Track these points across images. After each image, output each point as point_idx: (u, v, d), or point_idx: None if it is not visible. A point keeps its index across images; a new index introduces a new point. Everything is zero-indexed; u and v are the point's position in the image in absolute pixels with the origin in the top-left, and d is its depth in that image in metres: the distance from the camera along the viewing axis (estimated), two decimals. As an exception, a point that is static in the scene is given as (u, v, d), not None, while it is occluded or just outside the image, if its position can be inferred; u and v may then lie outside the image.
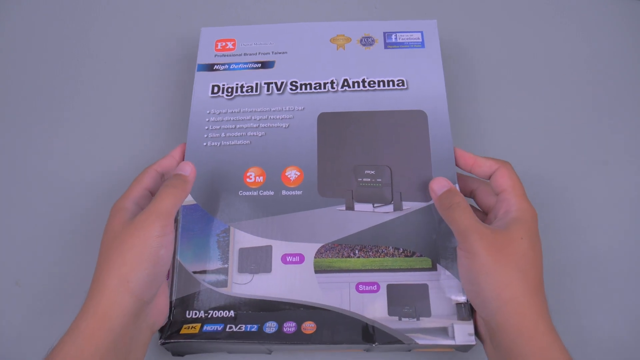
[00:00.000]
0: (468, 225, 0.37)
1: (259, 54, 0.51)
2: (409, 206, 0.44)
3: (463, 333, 0.39)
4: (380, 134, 0.47)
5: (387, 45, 0.51)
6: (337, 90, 0.49)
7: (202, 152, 0.47)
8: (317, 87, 0.49)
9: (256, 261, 0.43)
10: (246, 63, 0.51)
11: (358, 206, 0.44)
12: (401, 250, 0.43)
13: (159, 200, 0.39)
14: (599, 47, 0.55)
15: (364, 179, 0.45)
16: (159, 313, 0.39)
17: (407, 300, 0.41)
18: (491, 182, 0.43)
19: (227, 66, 0.51)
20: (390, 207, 0.44)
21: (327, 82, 0.49)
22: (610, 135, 0.52)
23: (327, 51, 0.51)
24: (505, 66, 0.56)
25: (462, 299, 0.40)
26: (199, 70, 0.51)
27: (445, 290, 0.41)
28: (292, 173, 0.46)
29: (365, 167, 0.46)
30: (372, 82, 0.49)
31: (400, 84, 0.49)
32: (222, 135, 0.47)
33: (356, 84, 0.49)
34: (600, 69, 0.54)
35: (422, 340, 0.38)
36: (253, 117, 0.48)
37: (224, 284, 0.42)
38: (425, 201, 0.44)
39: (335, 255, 0.43)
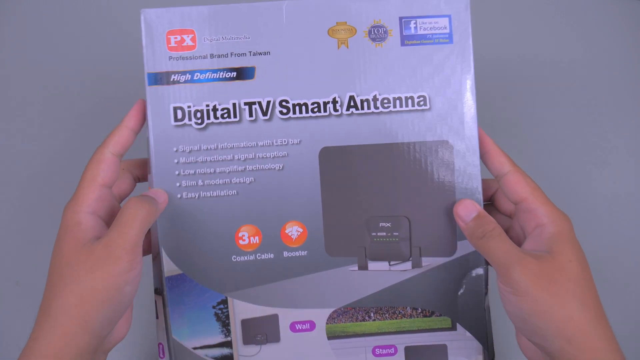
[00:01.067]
0: (509, 258, 0.32)
1: (231, 55, 0.37)
2: (428, 262, 0.39)
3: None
4: (396, 174, 0.38)
5: (404, 41, 0.37)
6: (341, 114, 0.38)
7: (178, 208, 0.37)
8: (316, 109, 0.37)
9: (262, 331, 0.39)
10: (215, 71, 0.37)
11: (372, 265, 0.39)
12: (419, 310, 0.39)
13: (124, 227, 0.32)
14: (598, 47, 0.54)
15: (379, 234, 0.39)
16: (119, 333, 0.35)
17: (425, 363, 0.40)
18: (504, 188, 0.37)
19: (188, 76, 0.37)
20: (408, 265, 0.39)
21: (329, 102, 0.37)
22: (610, 135, 0.52)
23: (324, 50, 0.37)
24: (505, 66, 0.55)
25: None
26: (150, 83, 0.37)
27: (464, 351, 0.39)
28: (293, 230, 0.38)
29: (379, 219, 0.39)
30: (386, 101, 0.38)
31: (422, 103, 0.38)
32: (200, 182, 0.38)
33: (365, 104, 0.38)
34: (600, 69, 0.53)
35: (442, 409, 0.39)
36: (236, 156, 0.38)
37: (230, 358, 0.39)
38: (448, 256, 0.39)
39: (349, 320, 0.39)
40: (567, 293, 0.32)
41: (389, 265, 0.39)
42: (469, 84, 0.38)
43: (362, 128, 0.38)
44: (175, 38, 0.37)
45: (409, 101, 0.38)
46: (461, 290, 0.39)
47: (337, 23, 0.37)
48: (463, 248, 0.39)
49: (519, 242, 0.37)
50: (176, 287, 0.38)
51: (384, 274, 0.39)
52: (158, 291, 0.39)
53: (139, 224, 0.32)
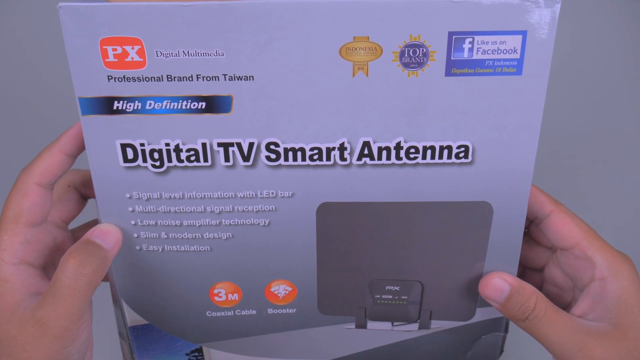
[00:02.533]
0: (566, 344, 0.27)
1: (197, 78, 0.26)
2: (438, 325, 0.33)
3: None
4: (413, 235, 0.30)
5: (451, 69, 0.26)
6: (350, 164, 0.28)
7: (137, 260, 0.30)
8: (316, 157, 0.28)
9: (243, 378, 0.35)
10: (175, 99, 0.27)
11: (372, 324, 0.33)
12: (422, 366, 0.35)
13: (61, 299, 0.25)
14: (598, 47, 0.53)
15: (384, 296, 0.32)
16: None
17: (421, 415, 0.37)
18: (547, 232, 0.30)
19: (138, 104, 0.27)
20: (414, 326, 0.33)
21: (334, 148, 0.28)
22: (610, 135, 0.51)
23: (333, 78, 0.26)
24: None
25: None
26: (84, 112, 0.27)
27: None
28: (280, 289, 0.32)
29: (386, 283, 0.32)
30: (413, 150, 0.28)
31: (462, 155, 0.28)
32: (163, 235, 0.30)
33: (385, 153, 0.28)
34: (600, 68, 0.52)
35: None
36: (208, 208, 0.29)
37: (207, 398, 0.36)
38: (463, 320, 0.33)
39: (339, 372, 0.35)
40: None
41: (392, 325, 0.33)
42: (532, 134, 0.27)
43: (376, 183, 0.28)
44: (115, 50, 0.25)
45: (445, 152, 0.27)
46: (470, 352, 0.34)
47: (354, 38, 0.25)
48: (482, 314, 0.32)
49: (562, 289, 0.31)
50: (143, 336, 0.33)
51: (384, 333, 0.33)
52: (122, 336, 0.33)
53: (82, 292, 0.25)
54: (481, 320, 0.32)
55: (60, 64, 0.42)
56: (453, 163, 0.27)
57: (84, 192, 0.31)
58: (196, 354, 0.34)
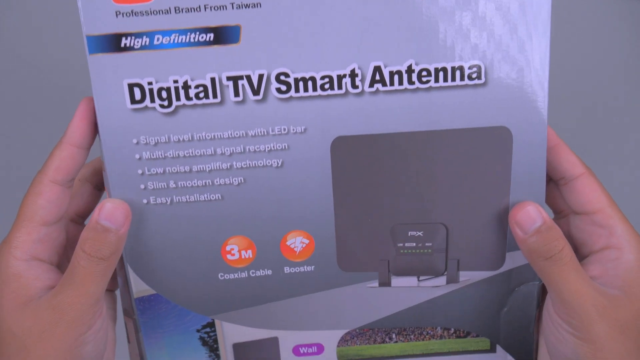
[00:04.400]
0: (583, 297, 0.26)
1: (205, 8, 0.26)
2: (467, 277, 0.31)
3: None
4: (432, 170, 0.29)
5: None
6: (362, 91, 0.27)
7: (145, 216, 0.28)
8: (327, 86, 0.27)
9: (259, 357, 0.32)
10: (183, 32, 0.26)
11: (397, 281, 0.31)
12: (452, 330, 0.32)
13: (78, 284, 0.25)
14: (598, 47, 0.53)
15: (407, 244, 0.30)
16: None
17: (456, 389, 0.33)
18: (572, 194, 0.29)
19: (146, 39, 0.26)
20: (442, 280, 0.31)
21: (345, 75, 0.27)
22: (610, 135, 0.51)
23: (342, 1, 0.26)
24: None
25: (523, 386, 0.33)
26: (92, 51, 0.26)
27: (503, 376, 0.33)
28: (296, 241, 0.30)
29: (409, 227, 0.30)
30: (425, 73, 0.27)
31: (475, 75, 0.27)
32: (172, 184, 0.28)
33: (397, 77, 0.27)
34: (600, 69, 0.52)
35: None
36: (219, 150, 0.28)
37: (221, 385, 0.32)
38: (493, 269, 0.31)
39: (365, 342, 0.32)
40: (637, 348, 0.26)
41: (418, 280, 0.31)
42: (541, 49, 0.26)
43: (390, 111, 0.27)
44: (123, -18, 0.25)
45: (457, 73, 0.27)
46: (505, 309, 0.31)
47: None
48: (512, 260, 0.30)
49: None
50: (149, 310, 0.30)
51: (410, 291, 0.31)
52: (127, 313, 0.30)
53: (99, 276, 0.26)
54: (513, 268, 0.30)
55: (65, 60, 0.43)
56: (467, 85, 0.27)
57: (97, 182, 0.30)
58: (208, 329, 0.31)
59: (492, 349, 0.32)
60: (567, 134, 0.52)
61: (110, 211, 0.27)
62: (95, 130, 0.27)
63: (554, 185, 0.30)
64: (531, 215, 0.27)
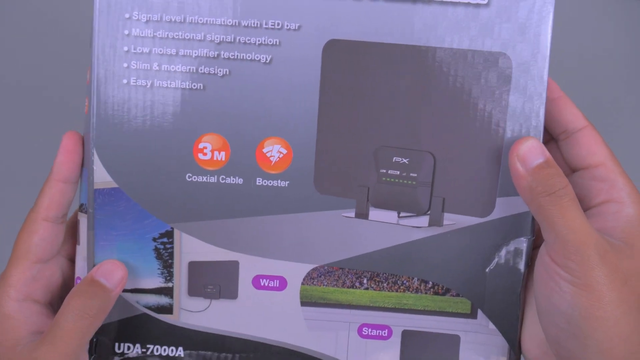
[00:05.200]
0: (584, 236, 0.24)
1: None
2: (452, 221, 0.28)
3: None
4: (425, 92, 0.27)
5: None
6: (362, -5, 0.26)
7: (122, 97, 0.27)
8: (326, -16, 0.26)
9: (215, 281, 0.29)
10: None
11: (375, 213, 0.28)
12: (430, 284, 0.28)
13: (59, 342, 0.25)
14: (598, 47, 0.53)
15: (390, 172, 0.28)
16: None
17: (427, 356, 0.29)
18: (574, 147, 0.27)
19: None
20: (424, 220, 0.28)
21: (346, -25, 0.26)
22: (609, 135, 0.49)
23: None
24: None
25: (503, 364, 0.28)
26: None
27: (483, 347, 0.29)
28: (274, 150, 0.28)
29: (394, 152, 0.28)
30: (427, -16, 0.26)
31: (479, -7, 0.26)
32: (155, 67, 0.27)
33: (399, -15, 0.26)
34: (599, 69, 0.52)
35: (441, 422, 0.28)
36: (208, 37, 0.27)
37: (167, 309, 0.29)
38: (481, 215, 0.28)
39: (333, 284, 0.29)
40: (637, 302, 0.24)
41: (398, 216, 0.28)
42: None
43: (388, 19, 0.26)
44: None
45: None
46: (491, 266, 0.28)
47: None
48: (503, 208, 0.28)
49: None
50: (108, 205, 0.28)
51: (389, 228, 0.28)
52: (83, 208, 0.28)
53: (81, 335, 0.26)
54: (502, 217, 0.28)
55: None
56: (469, 3, 0.26)
57: None
58: (165, 240, 0.29)
59: (473, 314, 0.29)
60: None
61: (108, 270, 0.27)
62: (78, 163, 0.28)
63: (554, 145, 0.29)
64: (534, 150, 0.25)
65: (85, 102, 0.28)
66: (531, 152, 0.25)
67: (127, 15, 0.27)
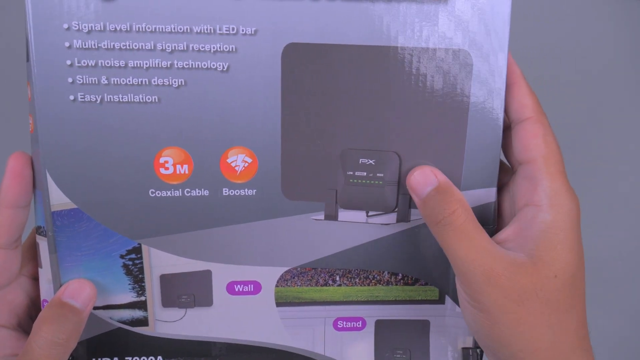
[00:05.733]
0: (470, 261, 0.24)
1: None
2: (418, 216, 0.29)
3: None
4: (387, 92, 0.27)
5: None
6: (319, -5, 0.25)
7: (70, 115, 0.25)
8: (282, -16, 0.25)
9: (189, 291, 0.29)
10: None
11: (344, 214, 0.28)
12: (400, 276, 0.30)
13: None
14: (598, 47, 0.53)
15: (357, 173, 0.28)
16: None
17: (400, 342, 0.31)
18: (514, 139, 0.27)
19: None
20: (391, 217, 0.29)
21: (302, -26, 0.25)
22: (609, 136, 0.51)
23: None
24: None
25: (470, 343, 0.31)
26: None
27: (451, 330, 0.30)
28: (238, 159, 0.27)
29: (360, 154, 0.28)
30: (386, -19, 0.25)
31: (439, -11, 0.26)
32: (104, 80, 0.25)
33: (356, -17, 0.25)
34: (599, 69, 0.52)
35: (417, 401, 0.30)
36: (159, 46, 0.25)
37: (142, 322, 0.29)
38: (446, 209, 0.29)
39: (306, 284, 0.29)
40: (541, 319, 0.24)
41: (367, 216, 0.28)
42: None
43: (348, 20, 0.25)
44: None
45: None
46: (457, 255, 0.29)
47: None
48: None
49: (507, 218, 0.28)
50: (68, 227, 0.27)
51: (358, 228, 0.28)
52: (41, 231, 0.27)
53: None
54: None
55: None
56: (427, 0, 0.26)
57: None
58: (133, 256, 0.28)
59: (441, 300, 0.30)
60: (565, 133, 0.52)
61: (76, 289, 0.26)
62: (27, 186, 0.26)
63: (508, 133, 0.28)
64: (423, 179, 0.26)
65: (30, 120, 0.26)
66: (419, 183, 0.26)
67: (65, 26, 0.25)
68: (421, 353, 0.31)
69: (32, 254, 0.28)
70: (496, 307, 0.24)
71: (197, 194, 0.27)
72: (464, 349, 0.31)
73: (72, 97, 0.25)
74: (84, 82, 0.25)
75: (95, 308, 0.28)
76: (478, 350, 0.31)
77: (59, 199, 0.27)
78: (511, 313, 0.24)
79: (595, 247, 0.46)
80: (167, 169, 0.27)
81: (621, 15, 0.54)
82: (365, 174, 0.28)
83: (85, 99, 0.25)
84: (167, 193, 0.27)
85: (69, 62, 0.25)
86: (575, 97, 0.54)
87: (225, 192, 0.27)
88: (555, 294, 0.24)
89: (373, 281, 0.30)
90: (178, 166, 0.27)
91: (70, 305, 0.26)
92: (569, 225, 0.24)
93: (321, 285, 0.30)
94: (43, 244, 0.27)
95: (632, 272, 0.48)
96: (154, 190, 0.27)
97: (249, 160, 0.27)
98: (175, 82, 0.26)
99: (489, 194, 0.27)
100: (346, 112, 0.27)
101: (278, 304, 0.29)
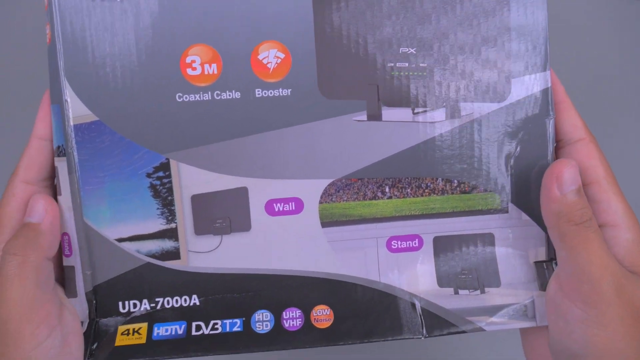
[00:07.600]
0: (606, 269, 0.23)
1: None
2: (470, 110, 0.26)
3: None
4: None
5: None
6: None
7: (89, 14, 0.23)
8: None
9: (224, 214, 0.26)
10: None
11: (388, 113, 0.26)
12: (455, 183, 0.26)
13: (5, 292, 0.22)
14: (598, 47, 0.52)
15: (398, 64, 0.26)
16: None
17: (465, 260, 0.27)
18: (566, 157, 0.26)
19: None
20: (440, 113, 0.26)
21: None
22: (609, 135, 0.49)
23: None
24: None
25: (543, 255, 0.27)
26: None
27: (519, 242, 0.27)
28: (270, 55, 0.25)
29: (400, 42, 0.25)
30: None
31: None
32: (125, -25, 0.24)
33: None
34: (600, 69, 0.51)
35: (492, 326, 0.26)
36: None
37: (174, 254, 0.25)
38: (499, 100, 0.26)
39: (352, 198, 0.26)
40: None
41: (413, 113, 0.26)
42: None
43: None
44: None
45: None
46: (515, 154, 0.26)
47: None
48: (519, 89, 0.26)
49: None
50: (90, 143, 0.24)
51: (405, 127, 0.26)
52: (60, 151, 0.25)
53: (14, 286, 0.23)
54: (520, 100, 0.26)
55: None
56: None
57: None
58: (161, 173, 0.25)
59: (504, 209, 0.27)
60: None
61: (30, 207, 0.24)
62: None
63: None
64: (572, 176, 0.24)
65: (47, 30, 0.25)
66: (569, 178, 0.24)
67: None
68: (489, 272, 0.27)
69: None
70: (619, 321, 0.23)
71: (228, 97, 0.25)
72: (536, 262, 0.27)
73: (92, -4, 0.24)
74: (104, -22, 0.24)
75: (120, 240, 0.25)
76: (553, 264, 0.27)
77: (79, 110, 0.24)
78: (632, 328, 0.23)
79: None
80: (194, 69, 0.25)
81: (621, 15, 0.54)
82: (407, 65, 0.26)
83: (106, -3, 0.24)
84: (195, 97, 0.25)
85: (88, -42, 0.24)
86: (575, 97, 0.55)
87: (259, 94, 0.25)
88: None
89: (427, 191, 0.27)
90: (206, 65, 0.25)
91: (31, 224, 0.24)
92: None
93: (369, 199, 0.27)
94: (62, 165, 0.25)
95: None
96: (181, 95, 0.25)
97: (282, 55, 0.25)
98: (200, -28, 0.24)
99: None
100: None
101: (323, 224, 0.26)
